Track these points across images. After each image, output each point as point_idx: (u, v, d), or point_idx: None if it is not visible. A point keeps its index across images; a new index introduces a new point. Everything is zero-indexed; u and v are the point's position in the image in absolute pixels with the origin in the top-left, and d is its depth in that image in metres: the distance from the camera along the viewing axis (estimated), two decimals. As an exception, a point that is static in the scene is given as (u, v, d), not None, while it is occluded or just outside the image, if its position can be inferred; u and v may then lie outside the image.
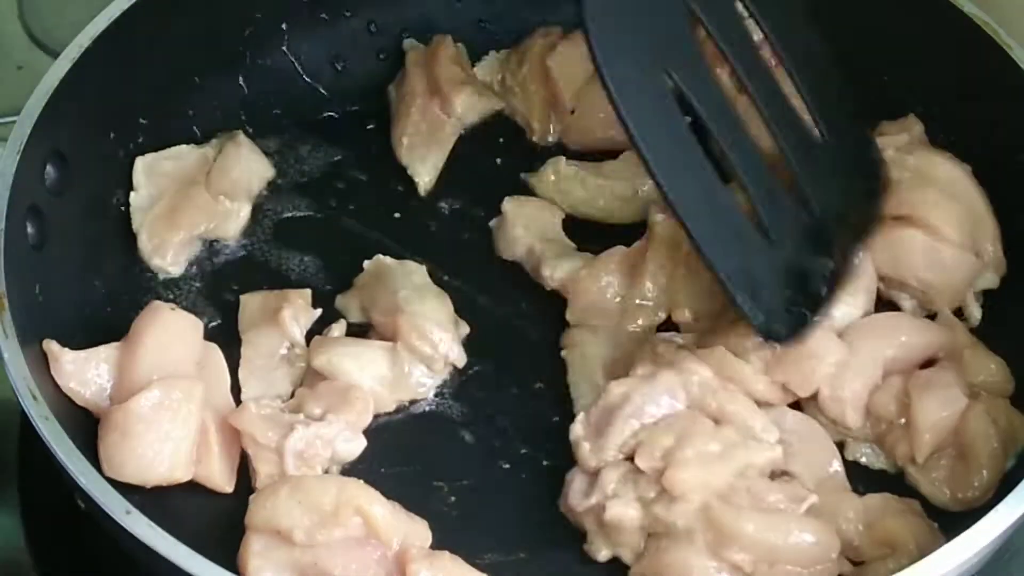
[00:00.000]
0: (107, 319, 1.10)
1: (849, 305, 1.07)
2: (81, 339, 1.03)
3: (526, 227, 1.18)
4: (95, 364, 1.02)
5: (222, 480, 1.02)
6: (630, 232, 1.15)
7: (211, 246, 1.20)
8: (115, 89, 1.16)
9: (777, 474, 1.02)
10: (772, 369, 1.04)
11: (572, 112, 1.26)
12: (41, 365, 1.00)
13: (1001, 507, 0.92)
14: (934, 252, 1.10)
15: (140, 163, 1.19)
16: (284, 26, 1.28)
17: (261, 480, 1.02)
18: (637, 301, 1.12)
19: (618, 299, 1.12)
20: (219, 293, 1.16)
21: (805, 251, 1.03)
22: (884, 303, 1.12)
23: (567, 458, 1.03)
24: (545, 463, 1.06)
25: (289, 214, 1.23)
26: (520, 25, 1.32)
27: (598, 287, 1.12)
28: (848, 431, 1.05)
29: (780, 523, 0.96)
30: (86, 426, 1.00)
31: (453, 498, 1.05)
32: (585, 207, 1.21)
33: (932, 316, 1.12)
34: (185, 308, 1.08)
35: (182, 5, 1.20)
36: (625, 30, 0.94)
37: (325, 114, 1.29)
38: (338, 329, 1.11)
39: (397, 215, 1.23)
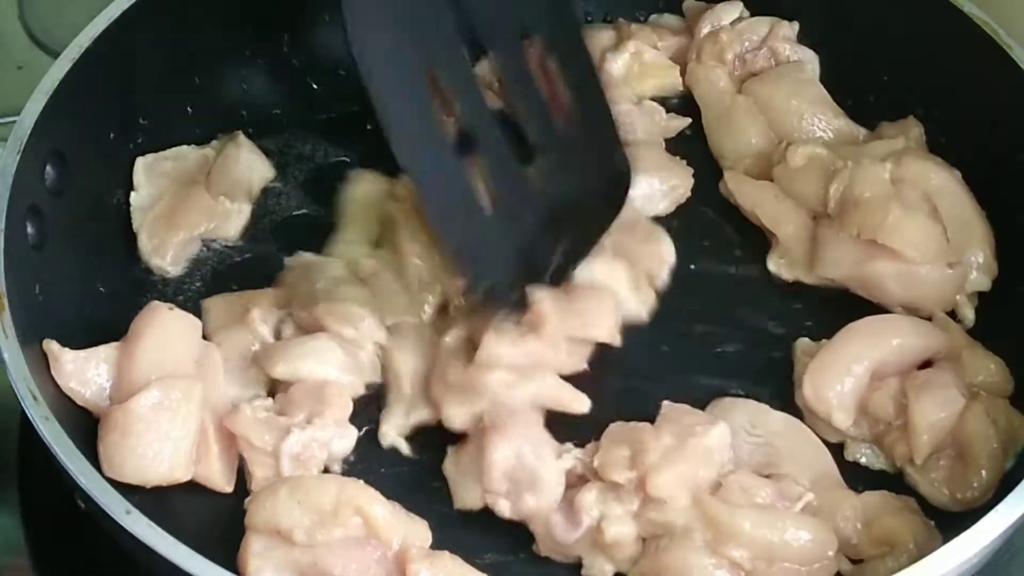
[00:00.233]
0: (107, 319, 1.09)
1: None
2: (81, 339, 1.03)
3: None
4: (95, 364, 1.02)
5: (222, 480, 1.02)
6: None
7: (211, 246, 1.20)
8: (115, 89, 1.16)
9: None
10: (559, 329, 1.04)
11: None
12: (41, 365, 1.00)
13: (1001, 507, 0.92)
14: (907, 275, 1.10)
15: (140, 163, 1.20)
16: (284, 26, 1.28)
17: (257, 483, 1.02)
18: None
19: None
20: (219, 293, 1.16)
21: (537, 233, 1.05)
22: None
23: (567, 458, 1.03)
24: (545, 463, 1.06)
25: (289, 214, 1.23)
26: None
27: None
28: (842, 432, 1.05)
29: (776, 520, 0.97)
30: (86, 426, 1.00)
31: (453, 498, 1.05)
32: None
33: (931, 317, 1.12)
34: (185, 308, 1.08)
35: (182, 5, 1.20)
36: (382, 7, 0.95)
37: (325, 114, 1.29)
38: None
39: (396, 215, 1.23)
